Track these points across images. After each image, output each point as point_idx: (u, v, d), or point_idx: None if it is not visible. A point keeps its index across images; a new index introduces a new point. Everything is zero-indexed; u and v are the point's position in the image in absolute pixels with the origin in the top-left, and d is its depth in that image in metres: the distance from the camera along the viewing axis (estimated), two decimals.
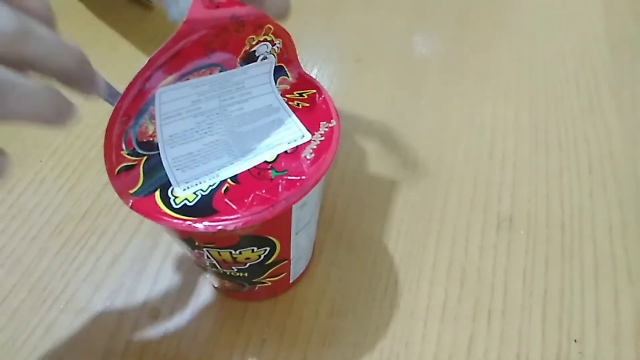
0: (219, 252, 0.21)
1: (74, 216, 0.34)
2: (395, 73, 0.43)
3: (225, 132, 0.21)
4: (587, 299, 0.29)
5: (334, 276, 0.31)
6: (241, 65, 0.21)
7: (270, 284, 0.27)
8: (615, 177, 0.35)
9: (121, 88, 0.18)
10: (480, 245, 0.32)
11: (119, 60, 0.44)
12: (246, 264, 0.23)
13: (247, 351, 0.28)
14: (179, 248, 0.32)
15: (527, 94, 0.41)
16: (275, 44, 0.22)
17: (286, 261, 0.25)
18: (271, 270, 0.25)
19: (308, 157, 0.20)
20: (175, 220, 0.18)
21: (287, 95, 0.23)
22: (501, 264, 0.31)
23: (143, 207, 0.19)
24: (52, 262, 0.31)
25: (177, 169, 0.19)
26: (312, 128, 0.21)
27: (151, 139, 0.19)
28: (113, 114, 0.18)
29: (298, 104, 0.22)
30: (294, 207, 0.20)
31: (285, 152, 0.20)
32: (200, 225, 0.18)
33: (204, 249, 0.21)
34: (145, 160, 0.19)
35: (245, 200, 0.19)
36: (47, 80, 0.15)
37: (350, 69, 0.44)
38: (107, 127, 0.18)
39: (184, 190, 0.19)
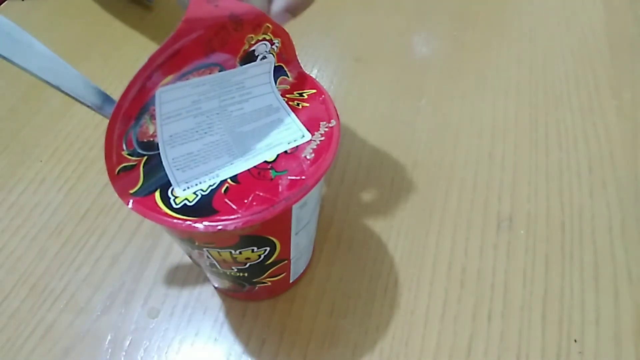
0: (219, 252, 0.21)
1: (74, 216, 0.34)
2: (395, 73, 0.43)
3: (225, 132, 0.21)
4: (587, 299, 0.29)
5: (334, 276, 0.31)
6: (240, 65, 0.21)
7: (270, 284, 0.27)
8: (615, 177, 0.35)
9: (122, 88, 0.18)
10: (480, 245, 0.32)
11: (120, 61, 0.44)
12: (246, 264, 0.23)
13: (247, 351, 0.28)
14: (179, 248, 0.32)
15: (527, 93, 0.41)
16: (274, 43, 0.22)
17: (286, 261, 0.25)
18: (271, 270, 0.25)
19: (308, 157, 0.20)
20: (175, 220, 0.18)
21: (287, 95, 0.23)
22: (501, 264, 0.31)
23: (143, 207, 0.19)
24: (52, 262, 0.31)
25: (177, 169, 0.19)
26: (312, 128, 0.21)
27: (151, 139, 0.19)
28: (113, 113, 0.18)
29: (298, 104, 0.22)
30: (294, 207, 0.20)
31: (285, 152, 0.20)
32: (200, 225, 0.18)
33: (204, 249, 0.21)
34: (146, 161, 0.19)
35: (245, 200, 0.19)
36: None
37: (350, 69, 0.44)
38: (108, 127, 0.18)
39: (184, 190, 0.19)
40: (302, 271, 0.30)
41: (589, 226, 0.33)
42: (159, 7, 0.50)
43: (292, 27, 0.22)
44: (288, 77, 0.23)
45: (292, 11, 0.24)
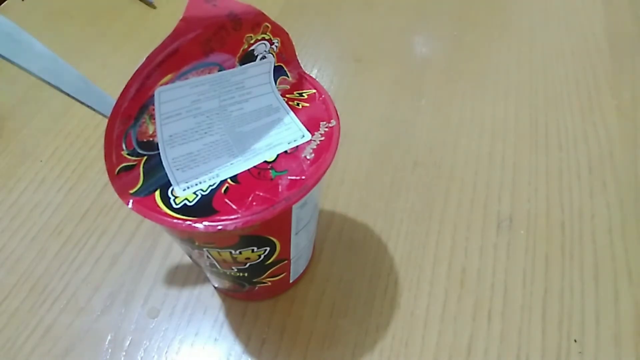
0: (219, 252, 0.21)
1: (74, 216, 0.34)
2: (395, 73, 0.43)
3: (225, 132, 0.21)
4: (587, 299, 0.29)
5: (334, 276, 0.31)
6: (240, 65, 0.21)
7: (270, 284, 0.27)
8: (615, 177, 0.35)
9: (122, 88, 0.18)
10: (480, 245, 0.32)
11: (120, 61, 0.44)
12: (246, 264, 0.23)
13: (247, 351, 0.28)
14: (179, 248, 0.32)
15: (527, 94, 0.41)
16: (273, 43, 0.22)
17: (286, 261, 0.25)
18: (271, 270, 0.25)
19: (308, 157, 0.20)
20: (175, 220, 0.18)
21: (287, 95, 0.23)
22: (501, 264, 0.31)
23: (143, 207, 0.19)
24: (52, 262, 0.31)
25: (177, 169, 0.19)
26: (312, 128, 0.21)
27: (151, 139, 0.19)
28: (113, 113, 0.18)
29: (298, 104, 0.22)
30: (294, 207, 0.20)
31: (285, 152, 0.20)
32: (200, 225, 0.18)
33: (204, 249, 0.21)
34: (145, 160, 0.19)
35: (245, 200, 0.19)
36: None
37: (350, 69, 0.44)
38: (107, 126, 0.18)
39: (184, 190, 0.19)
40: (302, 271, 0.30)
41: (589, 226, 0.33)
42: (160, 7, 0.50)
43: (292, 27, 0.22)
44: (288, 77, 0.23)
45: None
